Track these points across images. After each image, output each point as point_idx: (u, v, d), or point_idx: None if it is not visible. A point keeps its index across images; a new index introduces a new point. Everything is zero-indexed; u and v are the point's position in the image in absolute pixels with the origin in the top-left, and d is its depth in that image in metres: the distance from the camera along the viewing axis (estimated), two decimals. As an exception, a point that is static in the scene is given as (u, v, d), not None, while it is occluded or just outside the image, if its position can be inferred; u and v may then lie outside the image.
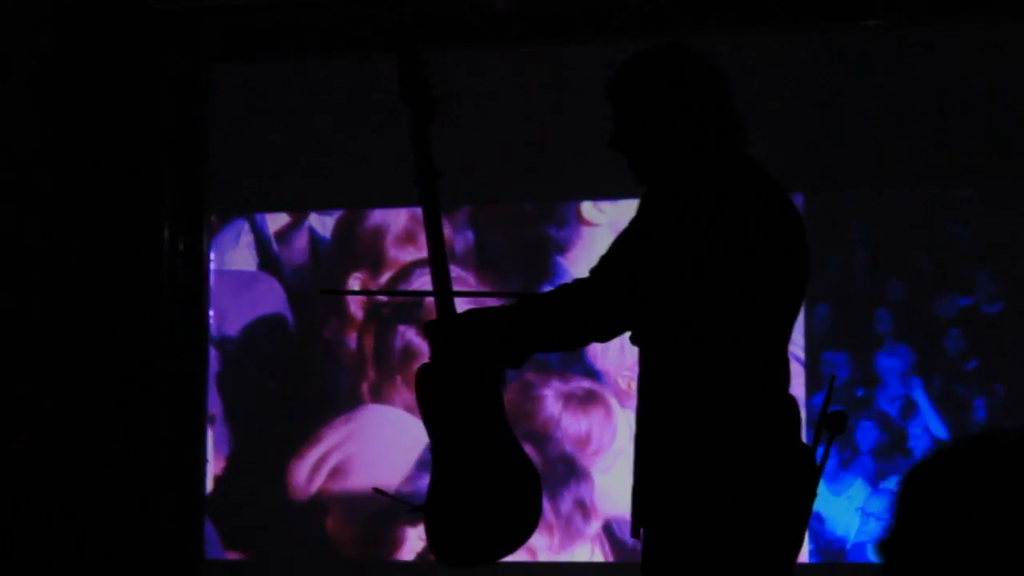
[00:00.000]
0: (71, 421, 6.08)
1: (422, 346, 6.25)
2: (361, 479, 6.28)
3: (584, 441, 6.19)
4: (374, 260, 6.42)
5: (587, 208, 6.27)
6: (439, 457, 3.30)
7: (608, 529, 6.13)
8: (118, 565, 6.17)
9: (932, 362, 5.94)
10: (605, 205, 6.20)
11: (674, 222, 3.01)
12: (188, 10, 6.28)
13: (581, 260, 6.19)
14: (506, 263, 6.30)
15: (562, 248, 6.29)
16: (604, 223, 6.20)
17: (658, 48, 3.21)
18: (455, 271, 6.23)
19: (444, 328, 3.22)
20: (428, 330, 3.26)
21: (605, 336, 3.14)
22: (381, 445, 6.33)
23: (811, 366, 5.98)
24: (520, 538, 3.29)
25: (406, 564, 6.31)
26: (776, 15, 5.94)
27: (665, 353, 3.07)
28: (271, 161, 6.43)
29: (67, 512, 6.08)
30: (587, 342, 3.24)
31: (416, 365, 6.08)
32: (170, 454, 6.35)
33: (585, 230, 6.27)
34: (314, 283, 6.42)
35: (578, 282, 3.15)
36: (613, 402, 6.17)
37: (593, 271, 3.15)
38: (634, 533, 3.15)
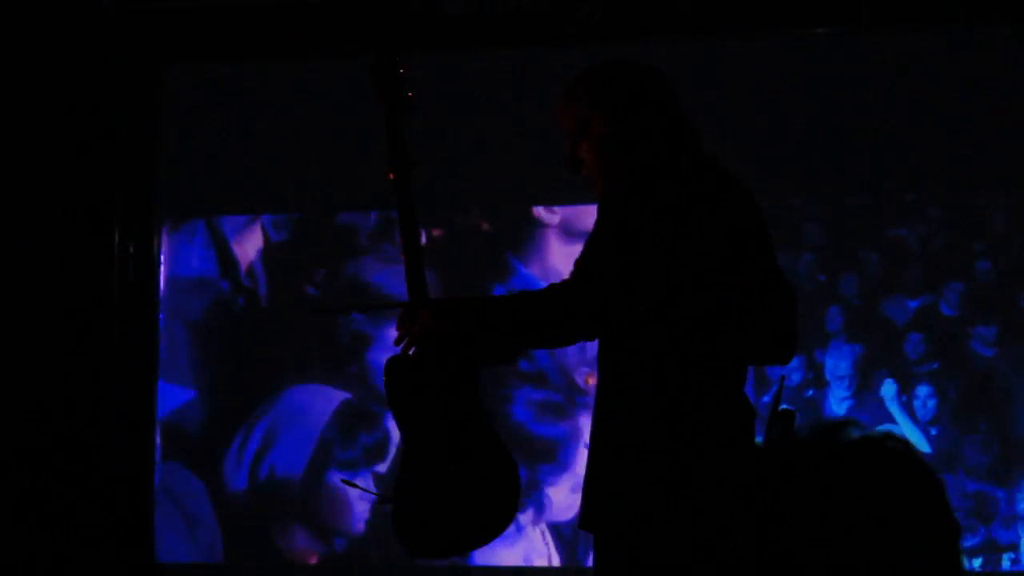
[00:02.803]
0: (16, 428, 6.06)
1: (371, 339, 6.24)
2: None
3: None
4: (330, 264, 6.40)
5: (539, 209, 6.27)
6: (411, 450, 3.29)
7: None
8: (62, 564, 6.14)
9: (883, 363, 5.98)
10: (557, 208, 6.22)
11: (640, 220, 3.01)
12: (141, 13, 6.26)
13: (532, 258, 6.21)
14: (458, 262, 6.30)
15: (515, 247, 6.29)
16: (555, 223, 6.22)
17: (607, 66, 3.20)
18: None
19: (428, 319, 3.21)
20: (407, 321, 3.24)
21: (595, 334, 3.14)
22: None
23: (758, 368, 6.01)
24: (492, 532, 3.30)
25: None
26: (728, 23, 5.96)
27: (624, 350, 3.08)
28: (226, 164, 6.41)
29: (14, 512, 6.06)
30: (577, 340, 3.25)
31: (365, 360, 6.12)
32: (119, 459, 6.31)
33: (537, 230, 6.27)
34: (271, 289, 6.40)
35: (569, 283, 3.15)
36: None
37: (577, 273, 3.15)
38: (582, 524, 3.16)
